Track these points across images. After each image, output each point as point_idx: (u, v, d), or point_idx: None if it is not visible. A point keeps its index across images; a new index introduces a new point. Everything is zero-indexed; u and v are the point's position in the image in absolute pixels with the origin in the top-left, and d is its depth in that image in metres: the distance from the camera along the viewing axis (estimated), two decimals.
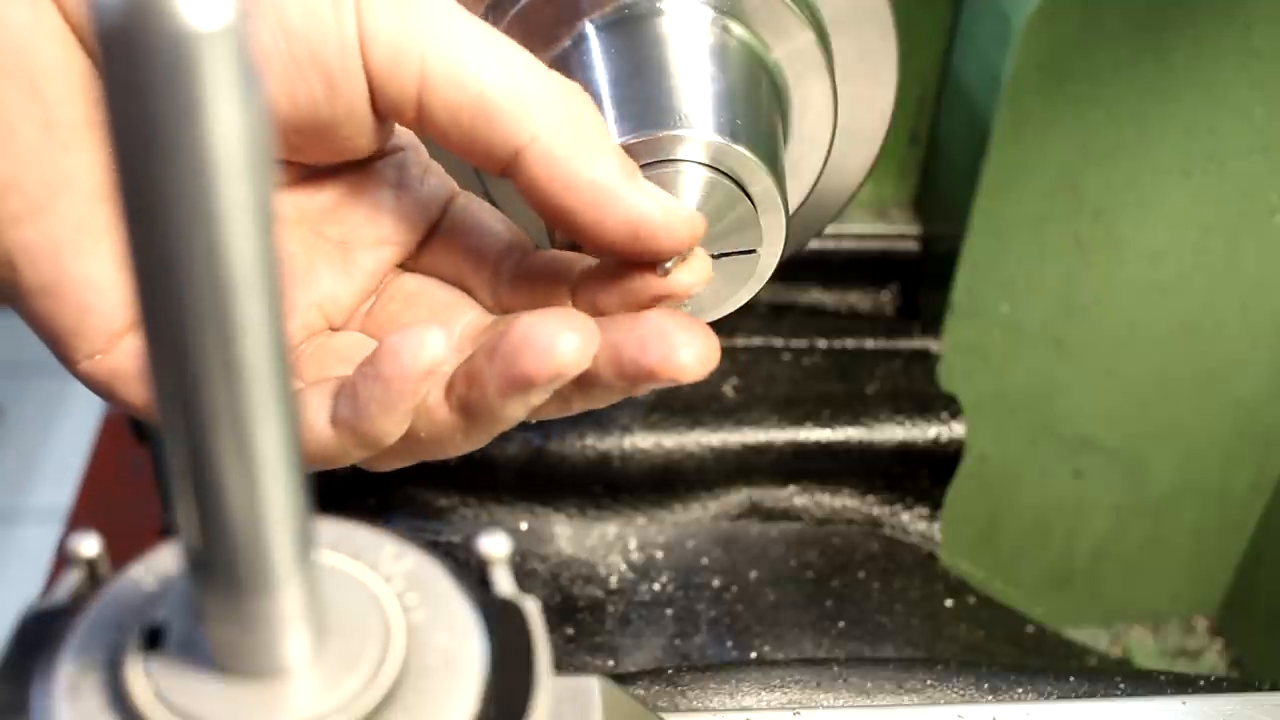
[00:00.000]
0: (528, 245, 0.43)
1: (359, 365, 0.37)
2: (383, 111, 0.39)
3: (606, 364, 0.37)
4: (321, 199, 0.42)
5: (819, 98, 0.50)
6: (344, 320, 0.43)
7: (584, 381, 0.37)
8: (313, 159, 0.41)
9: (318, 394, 0.38)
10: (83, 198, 0.37)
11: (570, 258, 0.42)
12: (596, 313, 0.40)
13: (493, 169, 0.39)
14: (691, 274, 0.40)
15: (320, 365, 0.42)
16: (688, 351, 0.36)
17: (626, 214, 0.38)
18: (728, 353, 0.71)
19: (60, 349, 0.39)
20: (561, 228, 0.39)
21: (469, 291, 0.43)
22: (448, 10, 0.38)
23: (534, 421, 0.41)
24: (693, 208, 0.40)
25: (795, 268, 0.71)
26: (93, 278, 0.37)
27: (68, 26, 0.36)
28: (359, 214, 0.42)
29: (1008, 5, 0.61)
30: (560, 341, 0.35)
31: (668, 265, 0.39)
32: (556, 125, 0.38)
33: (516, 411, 0.37)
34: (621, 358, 0.37)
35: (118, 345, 0.38)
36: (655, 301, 0.40)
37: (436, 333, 0.36)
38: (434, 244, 0.44)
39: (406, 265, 0.44)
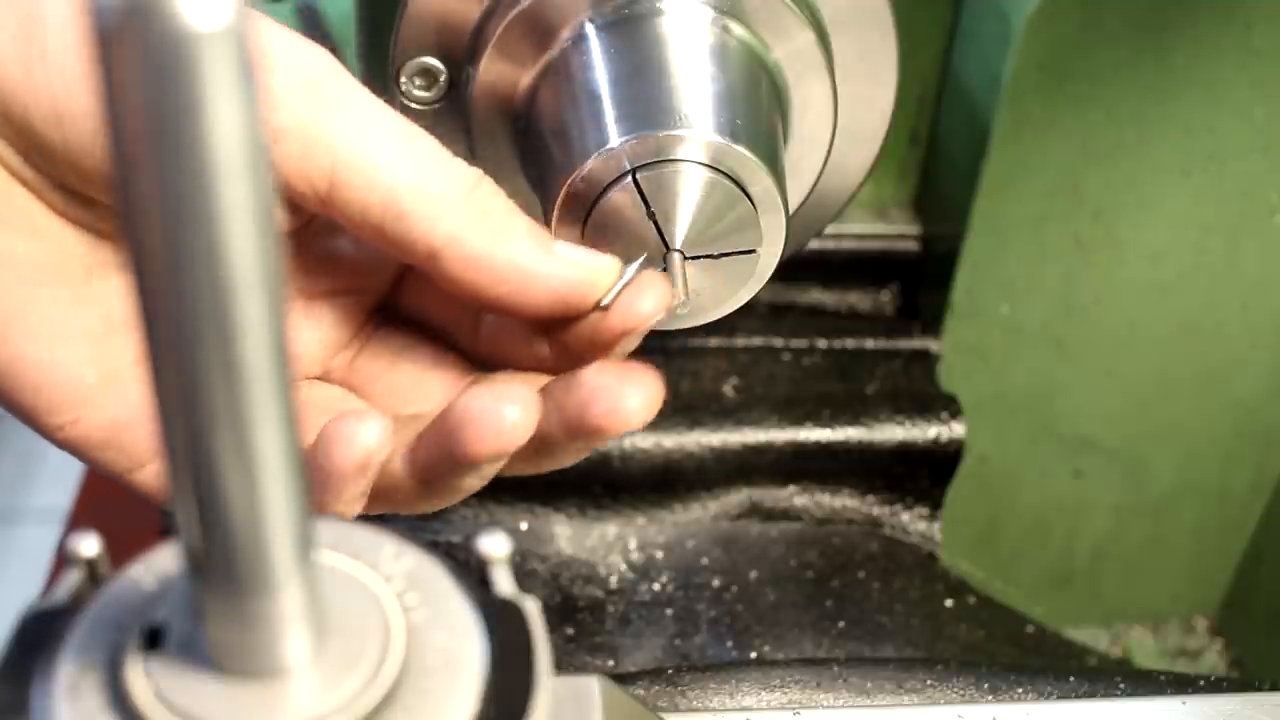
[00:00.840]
0: None
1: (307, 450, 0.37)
2: (289, 200, 0.39)
3: (556, 426, 0.38)
4: None
5: (819, 98, 0.50)
6: (321, 370, 0.43)
7: (541, 446, 0.38)
8: None
9: None
10: (6, 288, 0.37)
11: None
12: (569, 354, 0.41)
13: (412, 262, 0.39)
14: (652, 300, 0.40)
15: (305, 420, 0.41)
16: (633, 400, 0.37)
17: (550, 288, 0.39)
18: (728, 353, 0.71)
19: (31, 425, 0.39)
20: (491, 311, 0.40)
21: (454, 333, 0.44)
22: (361, 104, 0.38)
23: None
24: (605, 255, 0.40)
25: (795, 268, 0.71)
26: (35, 359, 0.38)
27: None
28: (312, 265, 0.42)
29: (1008, 5, 0.61)
30: (501, 416, 0.35)
31: (605, 301, 0.39)
32: (468, 222, 0.38)
33: (471, 483, 0.38)
34: (568, 418, 0.37)
35: (85, 418, 0.39)
36: (627, 334, 0.40)
37: (371, 425, 0.36)
38: (410, 285, 0.44)
39: (390, 306, 0.44)
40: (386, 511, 0.40)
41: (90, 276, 0.39)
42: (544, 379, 0.40)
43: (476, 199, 0.38)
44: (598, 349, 0.40)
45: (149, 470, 0.40)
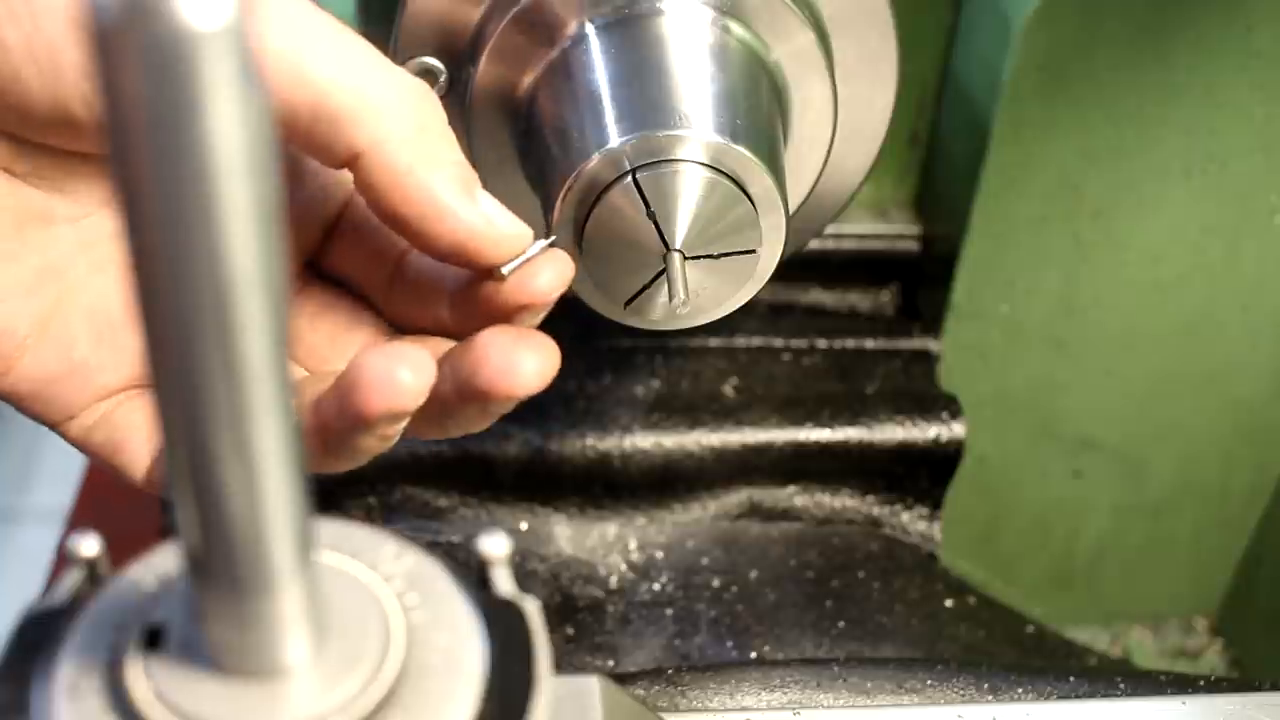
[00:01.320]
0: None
1: None
2: None
3: (451, 389, 0.37)
4: None
5: (819, 98, 0.50)
6: None
7: (439, 409, 0.38)
8: None
9: None
10: None
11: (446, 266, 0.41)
12: (470, 323, 0.40)
13: (329, 165, 0.38)
14: (549, 278, 0.39)
15: None
16: (527, 363, 0.36)
17: (455, 230, 0.38)
18: (728, 353, 0.71)
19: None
20: (393, 229, 0.39)
21: (369, 295, 0.43)
22: (299, 6, 0.36)
23: (439, 437, 0.41)
24: (521, 222, 0.39)
25: (795, 268, 0.71)
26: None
27: None
28: None
29: (1008, 5, 0.61)
30: (394, 378, 0.35)
31: (504, 270, 0.39)
32: (401, 133, 0.37)
33: (370, 443, 0.37)
34: (460, 379, 0.37)
35: (14, 369, 0.39)
36: (524, 309, 0.39)
37: (407, 371, 0.35)
38: (334, 244, 0.43)
39: (314, 264, 0.44)
40: None
41: (22, 228, 0.38)
42: (451, 344, 0.40)
43: (418, 112, 0.37)
44: (495, 320, 0.40)
45: (76, 424, 0.40)
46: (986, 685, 0.48)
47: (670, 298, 0.45)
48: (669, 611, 0.64)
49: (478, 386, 0.37)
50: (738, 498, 0.68)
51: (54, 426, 0.41)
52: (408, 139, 0.37)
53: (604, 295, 0.47)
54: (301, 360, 0.43)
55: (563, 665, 0.60)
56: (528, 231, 0.39)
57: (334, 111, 0.37)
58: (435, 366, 0.36)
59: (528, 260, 0.39)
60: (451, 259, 0.39)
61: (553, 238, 0.41)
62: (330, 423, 0.37)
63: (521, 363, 0.36)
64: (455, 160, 0.38)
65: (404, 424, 0.37)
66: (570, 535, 0.67)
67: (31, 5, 0.34)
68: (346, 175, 0.41)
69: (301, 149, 0.38)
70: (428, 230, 0.38)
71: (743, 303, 0.47)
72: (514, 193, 0.52)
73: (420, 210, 0.38)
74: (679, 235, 0.45)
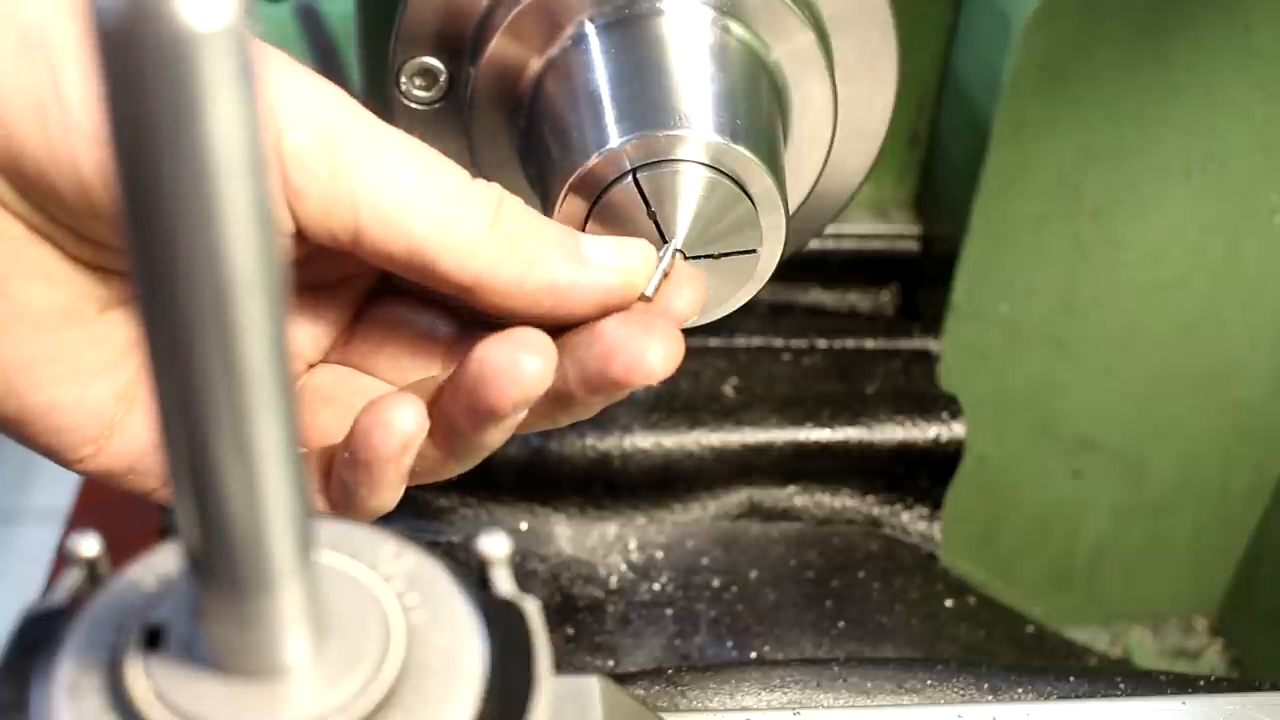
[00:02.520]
0: None
1: (339, 446, 0.38)
2: (314, 245, 0.38)
3: (575, 380, 0.37)
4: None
5: (819, 98, 0.50)
6: (322, 356, 0.44)
7: (558, 399, 0.38)
8: None
9: (307, 472, 0.38)
10: (24, 337, 0.37)
11: None
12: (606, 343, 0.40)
13: (448, 294, 0.39)
14: (691, 291, 0.40)
15: (309, 408, 0.42)
16: (654, 352, 0.37)
17: (589, 298, 0.38)
18: (728, 353, 0.71)
19: (52, 459, 0.40)
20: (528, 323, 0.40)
21: (454, 316, 0.43)
22: (379, 148, 0.37)
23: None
24: (637, 242, 0.40)
25: (795, 268, 0.71)
26: (56, 402, 0.38)
27: None
28: (322, 258, 0.42)
29: (1008, 5, 0.61)
30: (521, 366, 0.35)
31: (648, 292, 0.40)
32: (496, 257, 0.37)
33: (495, 437, 0.38)
34: (588, 371, 0.37)
35: (105, 448, 0.39)
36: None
37: (406, 409, 0.36)
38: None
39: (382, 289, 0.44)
40: (421, 482, 0.40)
41: (101, 313, 0.39)
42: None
43: (500, 228, 0.38)
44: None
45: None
46: (986, 685, 0.48)
47: None
48: (669, 611, 0.64)
49: (611, 376, 0.37)
50: (738, 498, 0.68)
51: (149, 495, 0.41)
52: (503, 258, 0.38)
53: None
54: (385, 372, 0.43)
55: (563, 665, 0.60)
56: (648, 247, 0.40)
57: (429, 258, 0.37)
58: (554, 348, 0.36)
59: (664, 275, 0.40)
60: (598, 316, 0.39)
61: (674, 241, 0.42)
62: (458, 421, 0.37)
63: (649, 352, 0.37)
64: (555, 243, 0.39)
65: (525, 412, 0.37)
66: (570, 535, 0.67)
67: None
68: None
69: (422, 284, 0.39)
70: (568, 313, 0.39)
71: (743, 303, 0.47)
72: (514, 192, 0.52)
73: (550, 305, 0.38)
74: (679, 235, 0.45)
